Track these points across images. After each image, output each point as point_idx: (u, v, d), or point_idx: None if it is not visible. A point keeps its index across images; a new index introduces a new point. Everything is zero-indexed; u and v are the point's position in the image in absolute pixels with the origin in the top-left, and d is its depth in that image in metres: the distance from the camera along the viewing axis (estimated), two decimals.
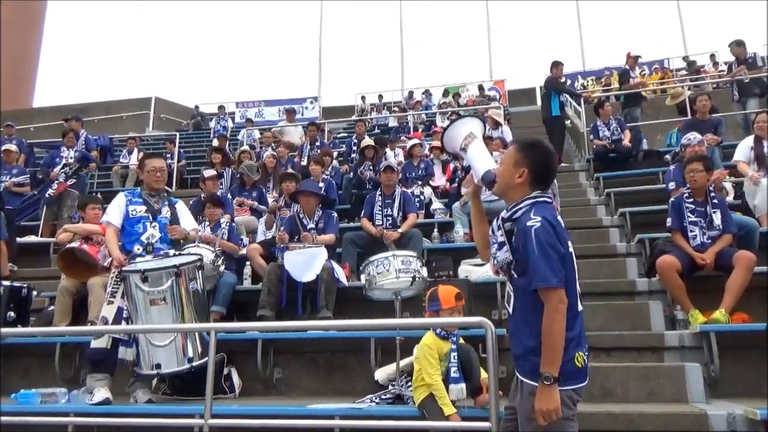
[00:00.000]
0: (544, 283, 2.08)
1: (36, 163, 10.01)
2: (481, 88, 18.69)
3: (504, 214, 2.29)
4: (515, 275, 2.23)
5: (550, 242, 2.11)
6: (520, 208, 2.23)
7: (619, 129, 8.63)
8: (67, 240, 5.61)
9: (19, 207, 8.12)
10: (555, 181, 6.14)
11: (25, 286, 5.22)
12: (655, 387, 3.68)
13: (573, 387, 2.14)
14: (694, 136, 6.16)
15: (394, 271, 3.84)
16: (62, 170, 8.15)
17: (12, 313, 4.92)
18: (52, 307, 5.43)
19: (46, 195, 8.03)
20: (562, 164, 9.52)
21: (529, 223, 2.14)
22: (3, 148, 8.77)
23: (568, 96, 11.13)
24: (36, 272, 7.03)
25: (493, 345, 2.77)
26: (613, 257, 5.81)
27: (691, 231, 4.74)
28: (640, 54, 10.01)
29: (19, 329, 4.81)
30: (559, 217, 2.24)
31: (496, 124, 9.52)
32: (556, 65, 10.04)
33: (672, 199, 5.03)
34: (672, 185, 5.75)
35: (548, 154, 2.32)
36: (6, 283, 5.03)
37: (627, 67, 9.99)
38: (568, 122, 11.41)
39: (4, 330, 4.68)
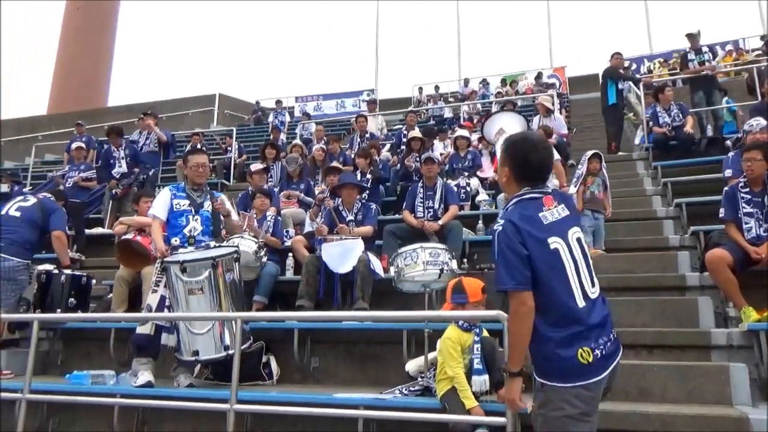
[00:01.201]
0: (500, 287, 2.12)
1: None
2: (539, 75, 18.18)
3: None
4: None
5: (510, 245, 2.10)
6: (505, 209, 2.26)
7: (680, 115, 8.16)
8: (122, 232, 5.95)
9: (88, 201, 8.64)
10: (603, 170, 5.94)
11: (84, 274, 5.56)
12: (695, 387, 3.50)
13: (578, 384, 2.08)
14: (757, 122, 5.76)
15: (421, 263, 3.83)
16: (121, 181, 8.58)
17: (73, 300, 5.25)
18: (111, 295, 5.78)
19: (113, 192, 8.47)
20: (619, 153, 9.15)
21: (495, 227, 2.19)
22: (73, 146, 9.37)
23: (631, 83, 10.67)
24: (101, 262, 7.48)
25: None
26: (664, 250, 5.54)
27: (746, 223, 4.44)
28: (697, 30, 9.20)
29: (58, 315, 5.14)
30: (544, 213, 2.17)
31: (548, 111, 9.24)
32: (614, 56, 9.67)
33: (726, 188, 4.74)
34: (728, 173, 5.43)
35: (529, 149, 2.25)
36: (68, 271, 5.37)
37: (687, 49, 9.36)
38: (632, 114, 10.95)
39: (64, 315, 5.05)
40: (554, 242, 2.13)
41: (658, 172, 7.64)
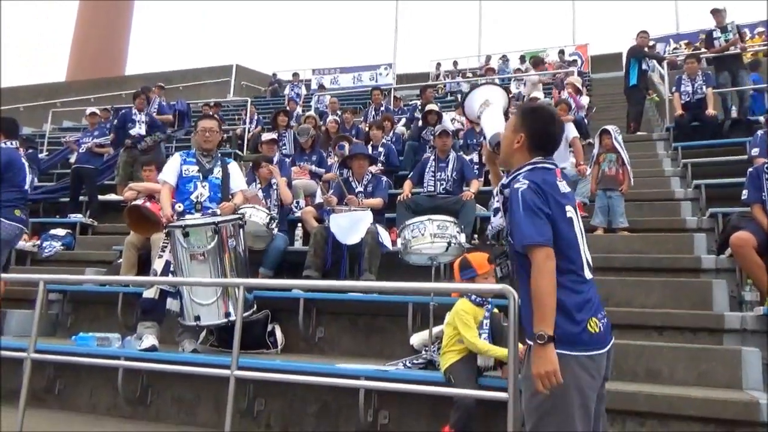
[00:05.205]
0: (527, 240, 2.02)
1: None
2: (561, 52, 17.77)
3: (504, 180, 2.25)
4: (512, 241, 2.17)
5: (535, 203, 2.05)
6: (518, 173, 2.18)
7: (703, 87, 7.91)
8: (132, 198, 5.94)
9: (101, 167, 8.66)
10: (618, 146, 5.79)
11: None
12: (706, 370, 3.42)
13: (585, 353, 2.03)
14: None
15: (429, 235, 3.76)
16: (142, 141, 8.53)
17: None
18: (120, 260, 5.80)
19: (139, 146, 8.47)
20: (639, 133, 8.93)
21: (516, 185, 2.10)
22: (87, 111, 9.37)
23: (655, 62, 10.39)
24: (113, 228, 7.53)
25: (515, 314, 2.64)
26: (681, 232, 5.41)
27: None
28: (723, 7, 8.87)
29: (65, 276, 5.22)
30: (559, 183, 2.16)
31: (577, 92, 9.03)
32: (640, 34, 9.40)
33: (750, 169, 4.58)
34: (755, 151, 5.27)
35: (549, 119, 2.25)
36: None
37: (712, 28, 9.00)
38: (654, 95, 10.68)
39: (71, 277, 5.07)
40: (570, 211, 2.13)
41: (678, 153, 7.45)
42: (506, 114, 2.66)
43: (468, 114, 2.67)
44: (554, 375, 1.93)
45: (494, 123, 2.40)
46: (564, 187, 2.19)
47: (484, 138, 2.49)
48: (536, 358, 1.96)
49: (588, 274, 2.13)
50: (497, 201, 2.26)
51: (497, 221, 2.26)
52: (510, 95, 2.82)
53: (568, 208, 2.13)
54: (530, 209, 2.03)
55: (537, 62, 13.18)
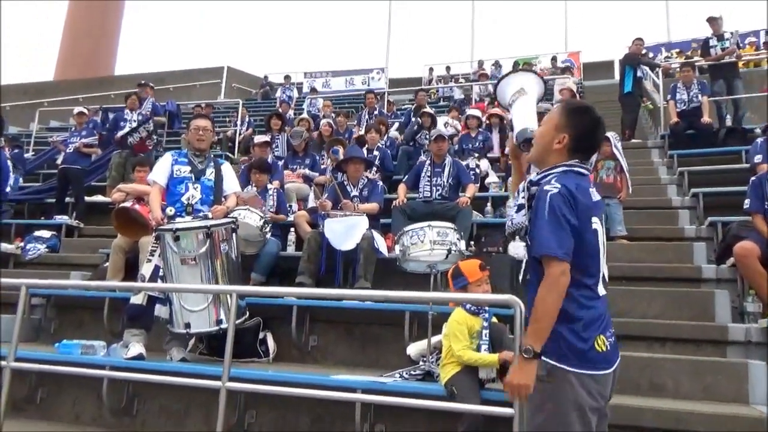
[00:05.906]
0: (545, 250, 1.90)
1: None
2: (554, 59, 17.81)
3: (533, 177, 2.10)
4: (529, 242, 2.04)
5: (563, 210, 1.91)
6: (550, 174, 2.03)
7: (699, 96, 7.87)
8: (120, 199, 5.78)
9: (89, 168, 8.45)
10: (617, 153, 5.74)
11: None
12: (711, 384, 3.33)
13: (589, 372, 1.91)
14: None
15: (428, 242, 3.65)
16: (136, 133, 8.33)
17: None
18: (107, 264, 5.63)
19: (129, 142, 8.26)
20: (633, 140, 8.90)
21: (546, 187, 1.96)
22: (75, 111, 9.16)
23: (648, 69, 10.39)
24: (99, 230, 7.35)
25: (522, 325, 2.54)
26: (679, 241, 5.35)
27: None
28: (719, 15, 8.84)
29: (49, 281, 4.94)
30: (591, 190, 2.04)
31: (573, 96, 8.97)
32: (635, 41, 9.42)
33: (753, 178, 4.53)
34: (758, 158, 5.22)
35: (596, 122, 2.09)
36: None
37: (709, 36, 8.99)
38: (648, 103, 10.67)
39: (55, 282, 4.89)
40: (595, 223, 2.01)
41: (674, 160, 7.41)
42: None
43: (500, 99, 2.46)
44: (525, 389, 1.89)
45: (526, 116, 2.22)
46: (595, 195, 2.06)
47: (512, 129, 2.30)
48: (516, 369, 1.92)
49: (602, 290, 2.02)
50: (522, 197, 2.11)
51: (519, 218, 2.11)
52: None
53: (595, 219, 2.01)
54: (555, 216, 1.90)
55: (565, 69, 13.34)
